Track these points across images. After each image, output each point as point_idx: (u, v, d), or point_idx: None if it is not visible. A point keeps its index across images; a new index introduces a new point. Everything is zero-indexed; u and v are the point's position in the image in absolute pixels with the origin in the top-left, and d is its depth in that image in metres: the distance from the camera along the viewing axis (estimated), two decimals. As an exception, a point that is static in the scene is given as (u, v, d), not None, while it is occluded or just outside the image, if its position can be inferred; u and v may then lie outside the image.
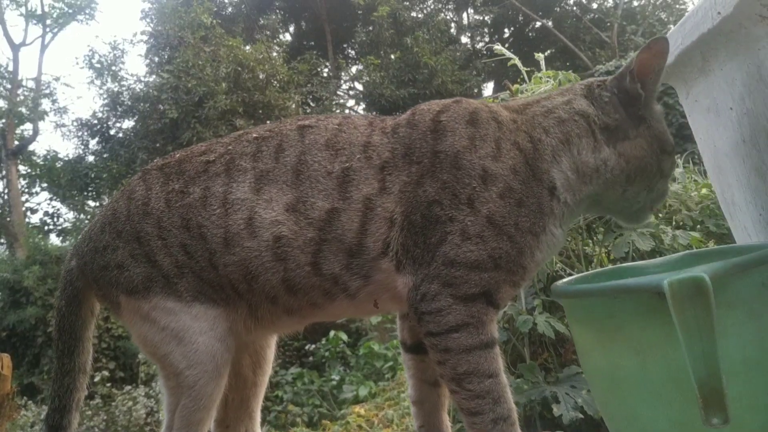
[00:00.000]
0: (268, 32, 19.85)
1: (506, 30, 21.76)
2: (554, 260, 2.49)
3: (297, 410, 7.50)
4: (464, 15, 22.66)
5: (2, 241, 19.92)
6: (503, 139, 1.37)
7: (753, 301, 1.09)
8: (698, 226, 2.85)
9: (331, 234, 1.37)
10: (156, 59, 17.83)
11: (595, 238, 2.76)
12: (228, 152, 1.50)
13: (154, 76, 16.62)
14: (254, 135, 1.53)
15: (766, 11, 1.08)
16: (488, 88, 19.86)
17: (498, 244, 1.29)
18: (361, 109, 20.57)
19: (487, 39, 21.60)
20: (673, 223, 2.82)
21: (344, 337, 8.41)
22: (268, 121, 14.16)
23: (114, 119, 17.05)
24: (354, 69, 20.88)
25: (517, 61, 2.92)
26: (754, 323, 1.07)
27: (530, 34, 20.94)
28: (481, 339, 1.29)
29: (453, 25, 21.93)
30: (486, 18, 22.08)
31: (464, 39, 21.59)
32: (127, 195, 1.55)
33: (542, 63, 2.93)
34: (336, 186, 1.39)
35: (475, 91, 18.71)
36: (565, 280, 1.46)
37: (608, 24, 18.50)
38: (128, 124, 16.72)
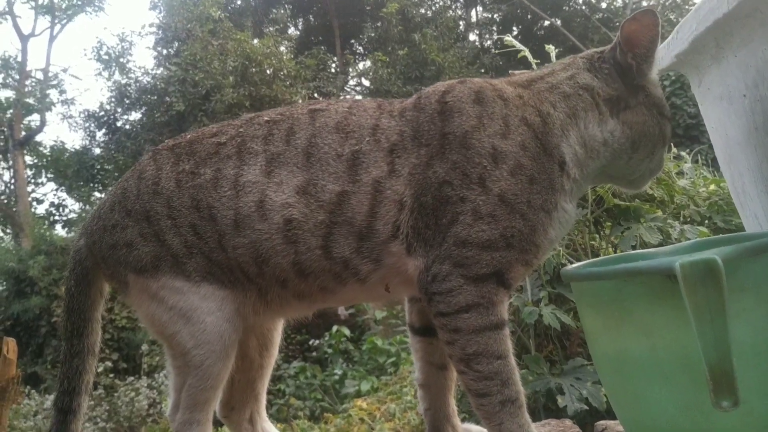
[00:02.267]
0: (276, 26, 19.86)
1: (514, 28, 21.73)
2: (561, 252, 2.48)
3: (299, 404, 7.52)
4: (473, 12, 22.65)
5: (8, 231, 20.02)
6: (510, 116, 1.37)
7: (763, 285, 1.08)
8: (706, 222, 2.84)
9: (341, 217, 1.36)
10: (164, 52, 17.88)
11: (602, 232, 2.75)
12: (239, 135, 1.50)
13: (161, 69, 16.67)
14: (266, 118, 1.52)
15: (783, -4, 1.07)
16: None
17: (510, 222, 1.28)
18: (367, 105, 20.48)
19: (495, 37, 21.59)
20: (681, 218, 2.81)
21: (347, 332, 8.40)
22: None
23: (121, 111, 17.12)
24: (361, 65, 20.90)
25: (526, 52, 2.90)
26: (764, 307, 1.06)
27: (539, 33, 20.91)
28: (490, 320, 1.28)
29: (461, 22, 21.92)
30: (494, 16, 22.07)
31: (472, 36, 21.57)
32: (137, 174, 1.55)
33: (552, 56, 2.91)
34: (346, 169, 1.39)
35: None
36: (575, 265, 1.45)
37: (617, 23, 18.44)
38: (135, 116, 16.79)
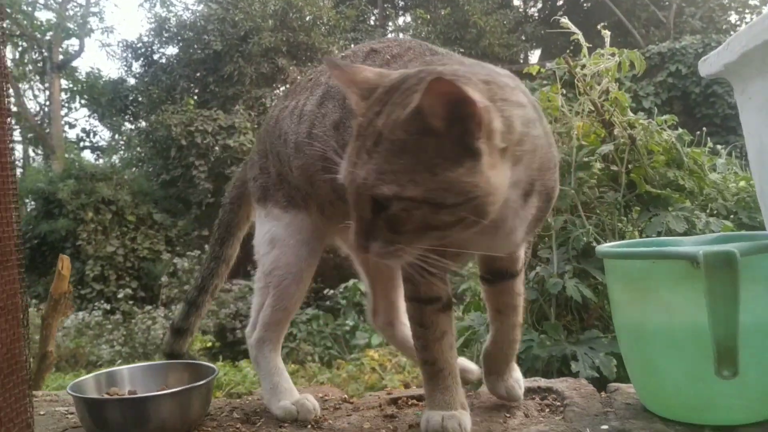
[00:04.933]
0: (320, -26, 19.69)
1: (560, -2, 21.35)
2: (590, 231, 2.61)
3: (309, 349, 7.74)
4: (521, -23, 22.23)
5: (39, 152, 20.35)
6: None
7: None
8: (732, 216, 2.94)
9: None
10: (207, -11, 17.79)
11: (630, 215, 2.86)
12: (322, 71, 1.64)
13: (202, 6, 16.62)
14: (343, 54, 1.66)
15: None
16: (535, 56, 19.61)
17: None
18: (403, 62, 20.34)
19: (540, 5, 21.23)
20: (708, 210, 2.92)
21: (363, 287, 8.52)
22: (309, 64, 14.20)
23: (159, 44, 17.10)
24: (401, 20, 20.71)
25: (580, 36, 2.96)
26: (769, 298, 1.24)
27: (585, 5, 20.52)
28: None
29: (508, -14, 21.54)
30: (542, -17, 21.65)
31: (516, 2, 21.23)
32: (268, 115, 1.80)
33: (607, 39, 2.98)
34: None
35: (521, 57, 18.50)
36: (608, 244, 1.61)
37: (666, 3, 18.06)
38: (172, 50, 16.79)
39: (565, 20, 2.94)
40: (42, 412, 1.71)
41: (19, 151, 21.13)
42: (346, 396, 1.77)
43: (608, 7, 17.30)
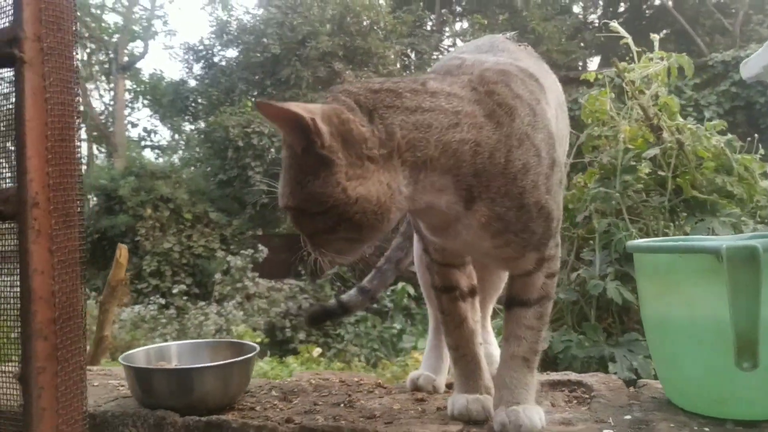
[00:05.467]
0: (378, -21, 19.84)
1: (622, 4, 20.98)
2: (633, 234, 2.60)
3: (356, 350, 7.81)
4: (580, -17, 21.94)
5: (102, 149, 21.06)
6: None
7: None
8: (783, 224, 2.88)
9: None
10: (267, -7, 18.13)
11: (677, 221, 2.84)
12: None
13: (262, 10, 16.97)
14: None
15: None
16: (594, 63, 19.33)
17: None
18: (459, 67, 20.30)
19: (600, 12, 20.92)
20: (757, 217, 2.87)
21: (411, 290, 8.55)
22: (365, 68, 14.32)
23: (219, 47, 17.52)
24: (458, 26, 20.69)
25: (629, 39, 2.96)
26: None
27: (647, 12, 20.13)
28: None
29: (567, -8, 21.29)
30: (602, -11, 21.32)
31: (576, 9, 20.96)
32: None
33: (656, 44, 2.96)
34: None
35: (580, 64, 18.25)
36: (640, 240, 1.63)
37: (733, 11, 17.53)
38: (232, 53, 17.17)
39: (614, 24, 2.94)
40: (95, 383, 1.83)
41: (84, 148, 21.94)
42: (380, 381, 1.82)
43: (671, 15, 16.95)
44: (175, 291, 10.71)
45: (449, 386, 1.74)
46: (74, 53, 1.10)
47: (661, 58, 2.83)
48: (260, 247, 10.55)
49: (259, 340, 7.92)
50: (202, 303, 10.12)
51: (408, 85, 1.20)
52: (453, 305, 1.43)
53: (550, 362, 2.48)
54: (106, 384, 1.83)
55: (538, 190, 1.22)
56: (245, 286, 10.13)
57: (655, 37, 2.96)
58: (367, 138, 1.12)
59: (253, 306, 9.94)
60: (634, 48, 2.92)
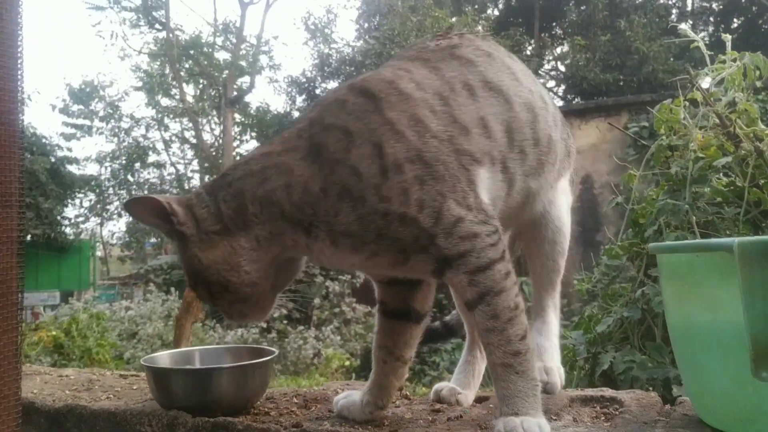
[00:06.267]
0: (476, 6, 19.88)
1: (735, 20, 19.98)
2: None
3: (450, 377, 7.70)
4: (689, 0, 21.12)
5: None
6: None
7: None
8: None
9: None
10: (365, 25, 18.63)
11: (759, 233, 2.63)
12: None
13: (361, 42, 17.39)
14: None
15: None
16: (706, 81, 18.42)
17: None
18: (561, 90, 20.07)
19: (711, 29, 20.01)
20: None
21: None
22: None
23: (320, 79, 18.07)
24: (559, 49, 20.35)
25: (700, 42, 2.80)
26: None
27: (763, 27, 19.06)
28: None
29: (674, 11, 20.54)
30: (713, 5, 20.41)
31: (684, 26, 20.16)
32: None
33: (728, 44, 2.78)
34: None
35: (689, 83, 17.46)
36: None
37: None
38: (333, 85, 17.67)
39: (683, 27, 2.79)
40: (134, 387, 1.89)
41: (196, 179, 23.16)
42: (407, 393, 1.78)
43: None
44: (276, 315, 10.96)
45: (478, 400, 1.68)
46: (19, 41, 1.17)
47: (734, 60, 2.65)
48: (357, 272, 10.67)
49: (348, 362, 7.97)
50: (301, 327, 10.31)
51: (237, 161, 1.42)
52: (378, 316, 1.55)
53: (611, 383, 2.34)
54: (143, 387, 1.89)
55: (367, 201, 1.25)
56: (343, 311, 10.26)
57: (728, 38, 2.77)
58: (206, 217, 1.33)
59: (350, 331, 10.04)
60: (705, 52, 2.75)
